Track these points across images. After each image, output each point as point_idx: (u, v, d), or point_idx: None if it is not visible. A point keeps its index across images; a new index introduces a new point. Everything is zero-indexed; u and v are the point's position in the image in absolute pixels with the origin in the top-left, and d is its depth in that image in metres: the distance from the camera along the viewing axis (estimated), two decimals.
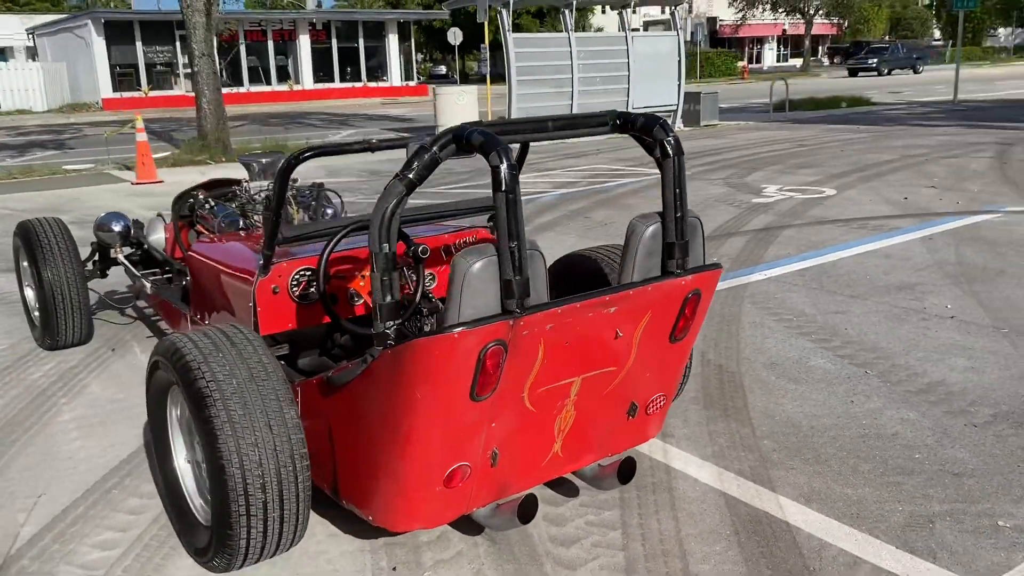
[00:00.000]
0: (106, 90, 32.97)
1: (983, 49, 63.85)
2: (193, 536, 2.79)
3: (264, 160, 4.49)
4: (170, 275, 4.92)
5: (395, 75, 39.86)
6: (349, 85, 38.60)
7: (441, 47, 59.31)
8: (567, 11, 16.30)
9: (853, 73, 45.66)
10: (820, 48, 64.01)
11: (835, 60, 63.28)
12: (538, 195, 9.86)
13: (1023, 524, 2.84)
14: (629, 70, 17.02)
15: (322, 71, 38.12)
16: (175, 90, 34.13)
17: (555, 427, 2.69)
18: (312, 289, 3.23)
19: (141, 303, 5.83)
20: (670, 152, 2.58)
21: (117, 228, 4.79)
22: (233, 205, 4.46)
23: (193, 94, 15.20)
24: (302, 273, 3.22)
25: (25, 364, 4.75)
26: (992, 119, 17.70)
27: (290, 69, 37.57)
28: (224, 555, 2.55)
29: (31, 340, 5.12)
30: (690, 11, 52.40)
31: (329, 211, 4.38)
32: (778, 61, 64.86)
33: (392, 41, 39.33)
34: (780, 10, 52.54)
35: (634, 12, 18.27)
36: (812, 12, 51.73)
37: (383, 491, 2.55)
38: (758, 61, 62.19)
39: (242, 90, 35.14)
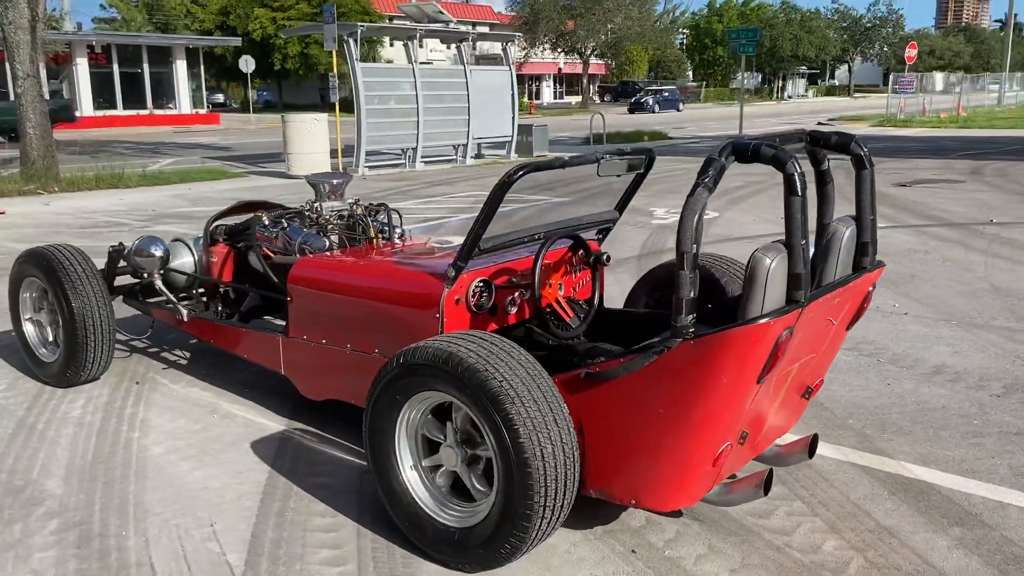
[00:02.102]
0: None
1: (730, 90, 71.13)
2: (445, 543, 2.83)
3: (334, 181, 4.45)
4: (188, 298, 4.74)
5: (184, 103, 38.01)
6: (134, 112, 36.30)
7: (219, 74, 57.13)
8: (411, 42, 16.58)
9: None
10: (591, 86, 68.32)
11: (605, 98, 67.86)
12: (443, 219, 10.07)
13: None
14: (469, 102, 17.56)
15: (102, 97, 35.62)
16: None
17: (771, 409, 3.03)
18: (484, 299, 3.35)
19: (122, 337, 5.46)
20: (866, 164, 3.03)
21: (158, 253, 4.51)
22: (297, 224, 4.39)
23: None
24: (478, 284, 3.33)
25: (49, 402, 4.35)
26: None
27: (66, 94, 34.72)
28: (514, 544, 2.65)
29: (27, 379, 4.68)
30: (474, 48, 54.16)
31: (398, 230, 4.43)
32: (555, 98, 68.50)
33: (180, 67, 37.48)
34: (559, 50, 55.64)
35: (474, 48, 18.89)
36: (588, 53, 55.26)
37: (659, 474, 2.75)
38: (538, 97, 65.33)
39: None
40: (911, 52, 33.14)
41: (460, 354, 2.68)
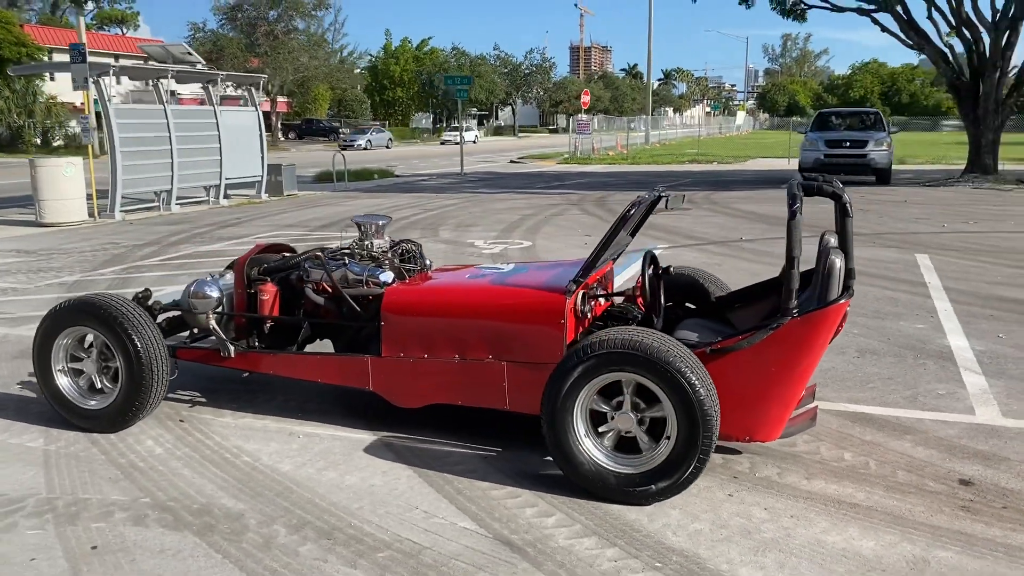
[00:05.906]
0: None
1: (412, 130, 74.31)
2: (629, 486, 3.72)
3: (380, 223, 5.01)
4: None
5: None
6: None
7: None
8: (162, 82, 16.15)
9: None
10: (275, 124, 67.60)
11: (290, 135, 67.54)
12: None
13: (952, 390, 5.29)
14: (220, 142, 17.41)
15: None
16: None
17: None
18: (586, 305, 4.28)
19: None
20: (849, 212, 4.41)
21: (215, 294, 4.76)
22: (349, 259, 4.92)
23: None
24: (582, 295, 4.25)
25: (118, 447, 4.45)
26: (513, 186, 22.14)
27: None
28: (694, 474, 3.65)
29: (59, 430, 4.66)
30: (148, 85, 51.27)
31: (428, 261, 5.13)
32: None
33: None
34: (243, 87, 54.60)
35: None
36: (275, 91, 54.92)
37: (771, 415, 3.90)
38: None
39: None
40: (585, 99, 37.72)
41: (646, 342, 3.64)
